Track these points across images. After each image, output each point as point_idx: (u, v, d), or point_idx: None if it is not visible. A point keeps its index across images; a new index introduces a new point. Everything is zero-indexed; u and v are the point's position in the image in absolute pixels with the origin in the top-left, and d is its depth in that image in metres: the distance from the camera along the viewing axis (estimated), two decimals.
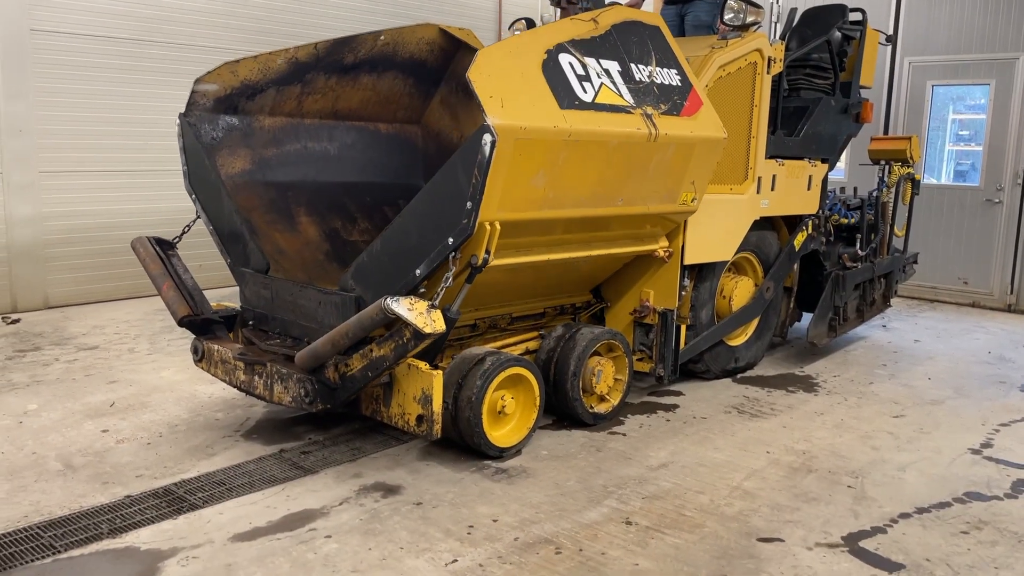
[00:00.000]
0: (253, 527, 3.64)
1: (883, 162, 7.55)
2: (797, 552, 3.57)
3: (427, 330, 3.58)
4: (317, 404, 4.13)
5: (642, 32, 4.78)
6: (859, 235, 7.20)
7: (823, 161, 6.58)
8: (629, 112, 4.44)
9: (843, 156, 8.33)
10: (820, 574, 3.40)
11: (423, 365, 4.03)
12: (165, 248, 4.96)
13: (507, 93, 3.87)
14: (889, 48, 9.37)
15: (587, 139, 4.19)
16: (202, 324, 4.78)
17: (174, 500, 3.88)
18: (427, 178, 5.99)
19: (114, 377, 5.75)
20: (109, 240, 8.13)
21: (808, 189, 6.41)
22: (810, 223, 6.53)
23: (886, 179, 7.46)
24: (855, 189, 7.74)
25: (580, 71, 4.30)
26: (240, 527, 3.64)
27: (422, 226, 4.03)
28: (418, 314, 3.58)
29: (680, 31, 6.80)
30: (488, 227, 3.95)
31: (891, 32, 9.42)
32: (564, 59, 4.25)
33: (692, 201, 5.02)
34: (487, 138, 3.74)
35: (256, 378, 4.38)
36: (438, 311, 3.68)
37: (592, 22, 4.51)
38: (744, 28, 5.55)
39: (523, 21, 6.33)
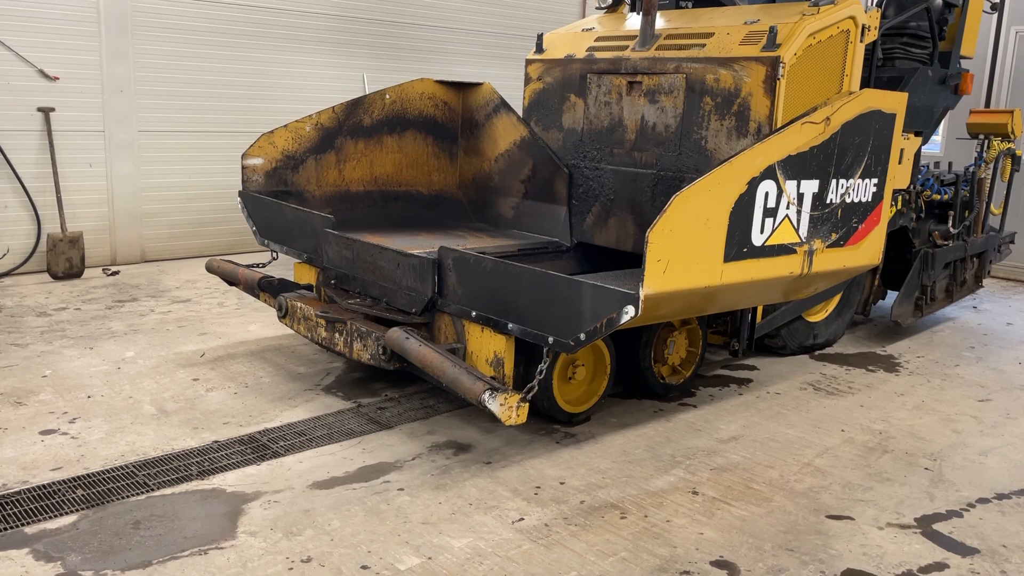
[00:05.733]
0: (331, 476, 3.81)
1: (982, 136, 7.22)
2: (867, 531, 3.54)
3: (507, 423, 3.58)
4: (393, 363, 4.26)
5: (871, 127, 4.49)
6: (952, 212, 6.92)
7: (916, 134, 6.33)
8: (793, 252, 4.22)
9: (939, 129, 7.99)
10: (889, 553, 3.36)
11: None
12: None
13: (677, 251, 3.57)
14: (994, 17, 8.89)
15: (734, 288, 4.00)
16: (279, 284, 5.11)
17: (258, 447, 4.08)
18: (479, 220, 6.19)
19: (204, 329, 6.04)
20: (202, 198, 8.47)
21: (899, 163, 6.18)
22: (899, 198, 6.32)
23: (984, 154, 7.13)
24: (950, 164, 7.43)
25: (772, 202, 4.01)
26: (318, 476, 3.81)
27: (533, 302, 3.83)
28: (507, 408, 3.55)
29: None
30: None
31: (998, 0, 8.92)
32: (763, 188, 3.94)
33: (805, 291, 4.90)
34: (629, 309, 3.45)
35: (336, 335, 4.54)
36: (526, 406, 3.61)
37: (824, 123, 4.17)
38: None
39: None
